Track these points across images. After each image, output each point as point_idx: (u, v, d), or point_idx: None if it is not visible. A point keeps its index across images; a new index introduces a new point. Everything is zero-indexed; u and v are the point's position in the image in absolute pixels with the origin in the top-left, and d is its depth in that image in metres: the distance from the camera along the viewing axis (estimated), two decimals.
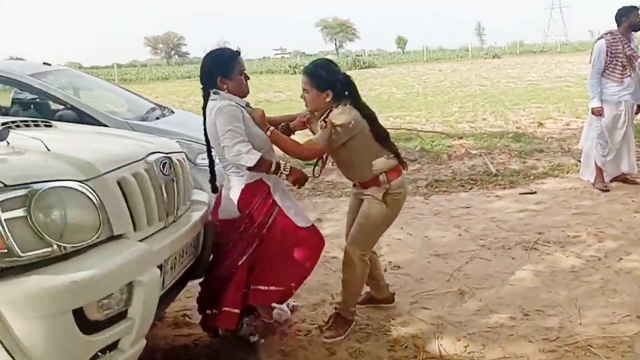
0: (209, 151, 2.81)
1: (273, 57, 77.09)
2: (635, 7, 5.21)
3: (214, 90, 2.66)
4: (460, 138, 8.45)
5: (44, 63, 5.31)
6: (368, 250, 2.93)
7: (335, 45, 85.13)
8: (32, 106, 5.17)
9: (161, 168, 2.36)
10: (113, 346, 1.93)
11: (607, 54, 5.17)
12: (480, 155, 7.18)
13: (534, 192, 5.51)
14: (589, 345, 2.71)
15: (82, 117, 4.39)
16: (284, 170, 2.60)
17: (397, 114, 11.85)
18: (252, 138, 2.59)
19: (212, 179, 2.88)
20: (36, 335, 1.71)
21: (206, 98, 2.70)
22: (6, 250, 1.69)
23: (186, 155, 2.83)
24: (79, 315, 1.78)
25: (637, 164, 5.59)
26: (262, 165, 2.55)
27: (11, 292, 1.68)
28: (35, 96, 4.96)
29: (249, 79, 2.76)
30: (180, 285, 2.60)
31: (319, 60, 2.90)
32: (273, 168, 2.59)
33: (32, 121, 2.64)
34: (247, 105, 2.74)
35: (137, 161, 2.25)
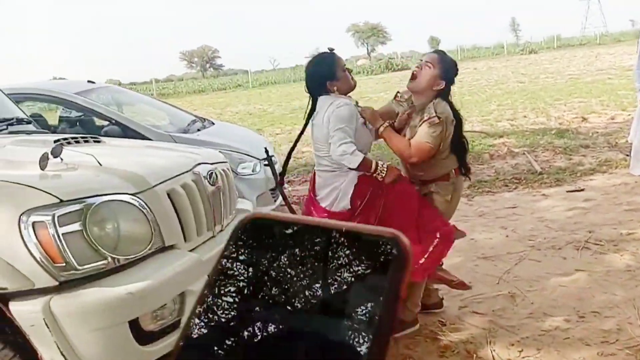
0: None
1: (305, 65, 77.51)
2: None
3: (323, 96, 2.72)
4: (501, 137, 8.28)
5: (88, 81, 5.48)
6: None
7: (367, 50, 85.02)
8: (78, 123, 5.34)
9: (208, 178, 2.39)
10: (168, 356, 1.96)
11: None
12: (524, 154, 7.01)
13: (582, 190, 5.34)
14: None
15: (127, 132, 4.52)
16: (382, 171, 2.64)
17: None
18: (359, 136, 2.64)
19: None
20: (94, 347, 1.75)
21: (315, 104, 2.76)
22: (64, 264, 1.74)
23: None
24: (134, 326, 1.81)
25: None
26: (364, 166, 2.61)
27: (70, 305, 1.73)
28: (80, 113, 5.12)
29: (351, 71, 2.84)
30: None
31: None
32: (373, 168, 2.63)
33: (82, 137, 2.72)
34: (356, 104, 2.77)
35: (185, 172, 2.29)
